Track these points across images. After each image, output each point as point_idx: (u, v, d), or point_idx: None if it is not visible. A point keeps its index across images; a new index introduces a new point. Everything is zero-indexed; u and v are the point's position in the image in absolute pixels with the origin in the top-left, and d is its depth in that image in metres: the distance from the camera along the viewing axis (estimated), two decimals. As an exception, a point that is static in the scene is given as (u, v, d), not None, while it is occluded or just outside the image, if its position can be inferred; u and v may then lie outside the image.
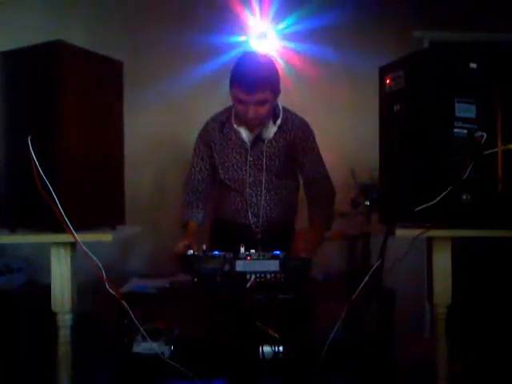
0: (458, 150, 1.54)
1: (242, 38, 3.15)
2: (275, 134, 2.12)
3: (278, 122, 2.12)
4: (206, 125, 2.25)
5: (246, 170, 2.16)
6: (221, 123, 2.18)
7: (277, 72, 2.04)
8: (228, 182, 2.21)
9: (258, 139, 2.13)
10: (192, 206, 2.22)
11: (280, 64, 3.12)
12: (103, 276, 1.52)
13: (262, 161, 2.13)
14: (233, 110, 2.17)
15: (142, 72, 3.01)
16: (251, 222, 2.18)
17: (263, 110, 2.01)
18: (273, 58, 2.15)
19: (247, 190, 2.17)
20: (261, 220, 2.18)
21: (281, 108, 2.15)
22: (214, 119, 2.23)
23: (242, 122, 2.09)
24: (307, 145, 2.17)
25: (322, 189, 2.17)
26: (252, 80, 1.92)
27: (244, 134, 2.12)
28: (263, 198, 2.17)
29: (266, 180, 2.15)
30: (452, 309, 1.71)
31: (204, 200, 2.25)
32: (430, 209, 1.49)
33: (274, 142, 2.13)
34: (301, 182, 2.30)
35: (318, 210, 2.13)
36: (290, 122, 2.15)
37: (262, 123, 2.10)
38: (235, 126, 2.13)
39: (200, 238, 2.09)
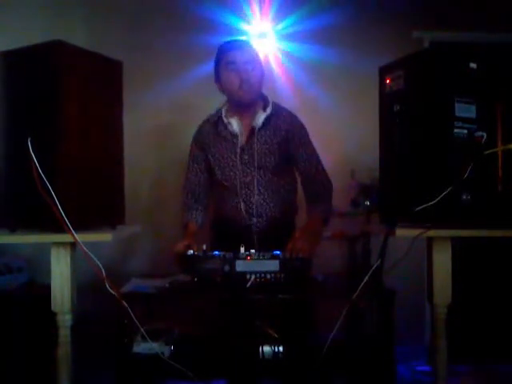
0: (458, 150, 1.54)
1: (242, 38, 3.15)
2: (267, 127, 2.12)
3: (268, 110, 2.12)
4: (200, 128, 2.25)
5: (241, 170, 2.15)
6: (214, 123, 2.18)
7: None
8: (225, 183, 2.20)
9: (250, 133, 2.12)
10: (191, 208, 2.22)
11: (277, 64, 3.13)
12: (103, 276, 1.52)
13: (255, 158, 2.12)
14: (224, 108, 2.16)
15: (142, 72, 3.01)
16: (251, 222, 2.17)
17: (254, 75, 2.06)
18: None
19: (244, 189, 2.16)
20: (261, 220, 2.17)
21: (270, 100, 2.16)
22: (206, 121, 2.24)
23: (237, 94, 2.08)
24: (301, 140, 2.17)
25: (319, 183, 2.17)
26: (238, 40, 2.25)
27: (235, 125, 2.11)
28: (261, 197, 2.16)
29: (262, 178, 2.14)
30: (452, 309, 1.71)
31: (202, 202, 2.25)
32: (429, 209, 1.49)
33: (267, 138, 2.12)
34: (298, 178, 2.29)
35: (316, 206, 2.13)
36: (281, 114, 2.15)
37: (254, 97, 2.10)
38: (226, 119, 2.13)
39: (200, 238, 2.09)
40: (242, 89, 2.06)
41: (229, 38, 2.28)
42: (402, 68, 1.64)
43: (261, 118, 2.11)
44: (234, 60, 2.05)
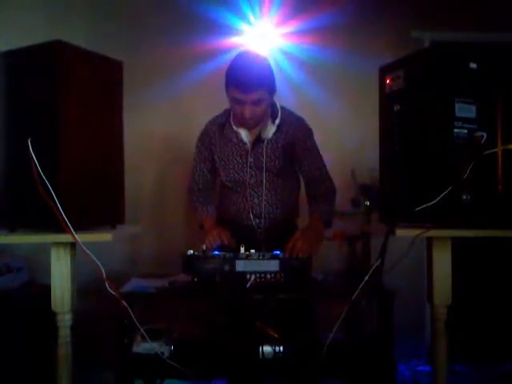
0: (458, 150, 1.54)
1: (243, 38, 3.15)
2: (274, 133, 2.12)
3: (277, 121, 2.11)
4: (206, 128, 2.25)
5: (246, 172, 2.15)
6: (220, 125, 2.18)
7: (271, 71, 2.05)
8: (229, 184, 2.21)
9: (257, 140, 2.13)
10: (202, 204, 2.27)
11: (277, 64, 3.12)
12: (103, 276, 1.52)
13: (262, 161, 2.12)
14: (231, 112, 2.17)
15: (142, 72, 3.01)
16: (254, 222, 2.18)
17: (259, 109, 2.02)
18: (267, 57, 2.13)
19: (248, 190, 2.17)
20: (263, 220, 2.18)
21: (279, 107, 2.15)
22: (213, 122, 2.24)
23: (240, 122, 2.10)
24: (306, 144, 2.17)
25: (322, 187, 2.18)
26: (248, 79, 1.93)
27: (244, 134, 2.12)
28: (264, 198, 2.17)
29: (266, 180, 2.15)
30: (452, 309, 1.71)
31: (210, 197, 2.30)
32: (429, 209, 1.49)
33: (273, 142, 2.13)
34: (301, 180, 2.30)
35: (318, 208, 2.14)
36: (288, 121, 2.15)
37: (258, 123, 2.10)
38: (234, 127, 2.13)
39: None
40: (245, 121, 2.06)
41: (240, 51, 2.09)
42: (402, 68, 1.64)
43: (271, 131, 2.11)
44: (242, 100, 1.97)
